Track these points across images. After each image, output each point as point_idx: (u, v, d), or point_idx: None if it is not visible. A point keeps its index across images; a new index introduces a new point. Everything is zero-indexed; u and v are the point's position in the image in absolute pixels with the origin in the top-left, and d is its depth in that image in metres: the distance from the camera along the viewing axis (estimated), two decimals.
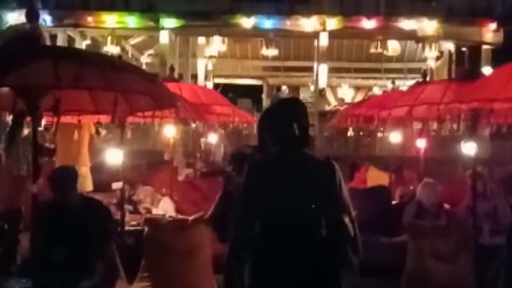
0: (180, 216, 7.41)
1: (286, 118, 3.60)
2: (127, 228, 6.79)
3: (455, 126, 12.56)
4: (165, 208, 7.79)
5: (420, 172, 9.76)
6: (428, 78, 18.84)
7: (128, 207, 7.66)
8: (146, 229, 5.87)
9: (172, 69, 10.19)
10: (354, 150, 16.16)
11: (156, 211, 7.68)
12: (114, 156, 7.01)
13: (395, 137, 11.86)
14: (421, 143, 9.04)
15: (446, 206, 7.82)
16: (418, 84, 10.36)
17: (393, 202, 8.85)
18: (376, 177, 11.20)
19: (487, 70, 14.95)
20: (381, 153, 15.02)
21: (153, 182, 9.89)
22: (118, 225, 6.50)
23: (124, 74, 4.75)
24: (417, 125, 11.72)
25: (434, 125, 11.52)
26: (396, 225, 7.78)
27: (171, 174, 9.18)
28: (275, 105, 3.99)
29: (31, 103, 4.48)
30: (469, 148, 7.06)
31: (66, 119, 7.24)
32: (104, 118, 7.49)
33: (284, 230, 3.40)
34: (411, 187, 9.93)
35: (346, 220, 3.46)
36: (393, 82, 13.26)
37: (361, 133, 16.43)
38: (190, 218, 6.01)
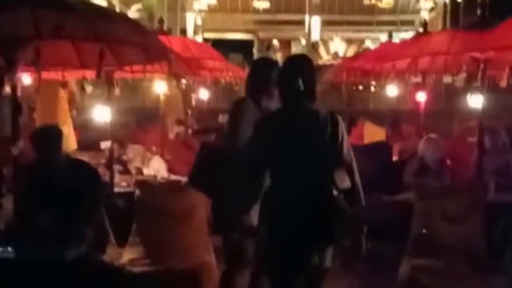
0: (172, 177, 7.08)
1: (292, 74, 3.76)
2: (116, 189, 6.44)
3: (454, 78, 12.30)
4: (156, 167, 7.44)
5: (420, 126, 9.46)
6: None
7: (117, 167, 7.31)
8: (137, 192, 5.52)
9: (161, 21, 9.66)
10: (348, 105, 15.82)
11: (147, 171, 7.33)
12: (101, 114, 6.67)
13: (391, 90, 11.56)
14: (421, 97, 8.66)
15: (448, 162, 7.57)
16: (418, 35, 9.95)
17: (393, 159, 8.52)
18: (372, 132, 10.91)
19: None
20: (375, 107, 14.73)
21: (143, 141, 9.58)
22: (107, 186, 6.18)
23: (111, 23, 4.32)
24: (413, 78, 11.47)
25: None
26: (397, 182, 7.50)
27: (162, 132, 8.81)
28: (284, 62, 4.01)
29: (8, 57, 4.08)
30: (475, 101, 6.75)
31: (50, 74, 6.85)
32: (91, 74, 7.03)
33: (293, 181, 3.61)
34: (411, 143, 9.68)
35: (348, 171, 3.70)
36: (390, 35, 12.91)
37: (355, 88, 16.06)
38: (184, 179, 5.68)
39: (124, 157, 7.66)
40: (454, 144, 8.70)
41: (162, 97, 8.67)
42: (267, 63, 4.53)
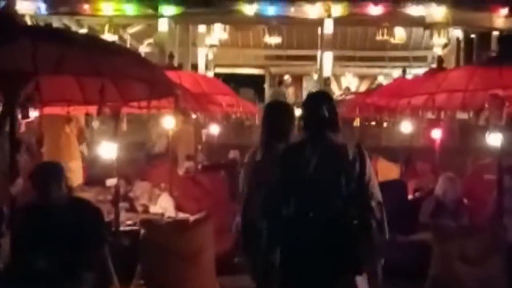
0: (180, 214, 6.86)
1: (315, 103, 3.90)
2: (122, 228, 6.23)
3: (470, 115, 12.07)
4: (163, 205, 7.21)
5: (435, 164, 9.21)
6: (435, 66, 18.26)
7: (124, 204, 7.10)
8: (142, 231, 5.31)
9: (171, 56, 9.54)
10: (360, 141, 15.58)
11: (154, 208, 7.09)
12: (108, 150, 6.48)
13: (405, 127, 11.32)
14: (436, 134, 8.40)
15: (466, 202, 7.32)
16: (432, 71, 9.77)
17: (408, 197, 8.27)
18: (386, 169, 10.65)
19: None
20: (388, 143, 14.44)
21: (151, 177, 9.40)
22: (112, 225, 5.97)
23: (114, 57, 4.14)
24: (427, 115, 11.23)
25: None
26: (412, 222, 7.24)
27: (171, 168, 8.60)
28: (306, 97, 4.24)
29: (8, 92, 3.91)
30: (493, 139, 6.52)
31: (55, 110, 6.70)
32: (94, 109, 6.87)
33: (315, 217, 3.63)
34: (426, 181, 9.42)
35: (373, 204, 3.72)
36: (404, 71, 12.77)
37: (367, 123, 15.84)
38: (191, 218, 5.46)
39: (131, 194, 7.45)
40: (470, 182, 8.40)
41: (171, 133, 8.47)
42: (282, 107, 4.68)
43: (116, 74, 4.04)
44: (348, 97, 17.82)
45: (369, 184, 3.73)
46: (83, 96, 5.09)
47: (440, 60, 9.49)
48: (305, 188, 3.68)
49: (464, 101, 6.26)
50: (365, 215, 3.66)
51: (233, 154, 13.11)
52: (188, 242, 5.19)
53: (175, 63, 12.19)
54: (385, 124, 15.26)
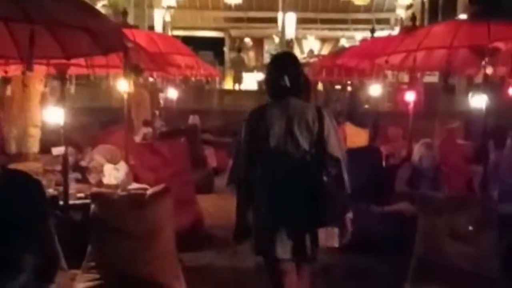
0: (135, 185, 6.22)
1: (277, 71, 3.99)
2: (72, 201, 5.57)
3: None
4: (119, 173, 6.55)
5: (407, 129, 8.73)
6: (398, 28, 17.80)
7: (75, 175, 6.43)
8: (92, 207, 4.66)
9: (125, 13, 8.71)
10: (325, 105, 15.06)
11: (109, 179, 6.41)
12: (54, 115, 5.78)
13: (374, 90, 10.81)
14: (410, 96, 7.83)
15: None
16: (406, 30, 9.19)
17: None
18: (354, 135, 10.15)
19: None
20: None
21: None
22: (59, 198, 5.32)
23: (49, 1, 3.39)
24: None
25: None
26: (388, 191, 6.75)
27: (126, 134, 7.90)
28: (270, 60, 4.36)
29: None
30: (477, 100, 6.04)
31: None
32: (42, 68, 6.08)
33: (281, 169, 3.82)
34: (397, 147, 8.95)
35: (330, 161, 3.82)
36: (372, 31, 12.19)
37: (332, 88, 15.34)
38: (148, 191, 4.81)
39: (83, 163, 6.75)
40: (443, 148, 7.95)
41: (126, 96, 7.74)
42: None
43: (51, 20, 3.30)
44: (312, 59, 17.26)
45: (327, 143, 3.84)
46: (18, 51, 4.34)
47: (413, 17, 8.89)
48: (269, 150, 3.85)
49: (449, 58, 5.70)
50: (321, 172, 3.79)
51: (193, 119, 12.46)
52: (144, 219, 4.55)
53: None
54: (349, 88, 14.74)
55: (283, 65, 4.03)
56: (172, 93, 12.27)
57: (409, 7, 20.03)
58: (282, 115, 3.85)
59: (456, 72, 8.12)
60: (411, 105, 7.82)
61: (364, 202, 6.44)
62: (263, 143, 3.85)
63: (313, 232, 3.82)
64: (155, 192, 4.72)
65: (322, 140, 3.82)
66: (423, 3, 19.28)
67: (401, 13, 20.64)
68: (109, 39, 3.88)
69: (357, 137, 9.99)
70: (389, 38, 11.05)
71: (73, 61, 4.94)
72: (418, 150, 6.59)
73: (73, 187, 5.97)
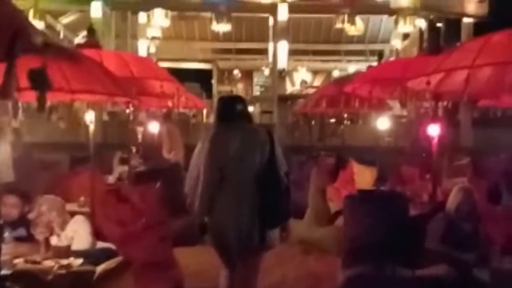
0: (100, 244, 4.80)
1: (231, 101, 4.86)
2: (5, 271, 4.17)
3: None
4: (75, 229, 5.16)
5: (425, 168, 7.45)
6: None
7: (18, 232, 5.06)
8: None
9: (91, 30, 7.29)
10: (319, 140, 13.73)
11: (60, 237, 4.98)
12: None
13: (383, 123, 9.50)
14: (433, 130, 6.45)
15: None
16: (424, 53, 7.91)
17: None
18: (359, 173, 8.85)
19: None
20: (353, 143, 12.55)
21: (72, 187, 7.50)
22: None
23: None
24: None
25: None
26: (416, 249, 5.37)
27: (92, 175, 6.48)
28: (219, 97, 5.15)
29: None
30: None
31: None
32: None
33: (236, 180, 4.52)
34: (415, 189, 7.62)
35: (281, 173, 4.59)
36: (380, 57, 10.94)
37: (331, 120, 14.05)
38: (98, 268, 3.42)
39: (31, 216, 5.34)
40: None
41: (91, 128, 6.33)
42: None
43: None
44: (306, 91, 16.05)
45: (277, 160, 4.55)
46: None
47: (436, 37, 7.62)
48: (230, 162, 4.49)
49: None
50: (277, 180, 4.52)
51: (175, 156, 11.03)
52: None
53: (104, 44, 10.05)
54: (346, 122, 13.43)
55: (234, 97, 5.44)
56: (153, 127, 10.87)
57: (405, 37, 18.98)
58: (240, 136, 4.56)
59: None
60: (435, 140, 6.45)
61: (389, 264, 5.07)
62: (226, 158, 4.49)
63: (261, 232, 4.44)
64: (107, 269, 3.32)
65: (273, 157, 4.52)
66: (421, 33, 18.15)
67: (397, 43, 19.57)
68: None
69: (362, 176, 8.71)
70: (406, 60, 9.77)
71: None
72: (455, 196, 5.24)
73: (13, 249, 4.59)
